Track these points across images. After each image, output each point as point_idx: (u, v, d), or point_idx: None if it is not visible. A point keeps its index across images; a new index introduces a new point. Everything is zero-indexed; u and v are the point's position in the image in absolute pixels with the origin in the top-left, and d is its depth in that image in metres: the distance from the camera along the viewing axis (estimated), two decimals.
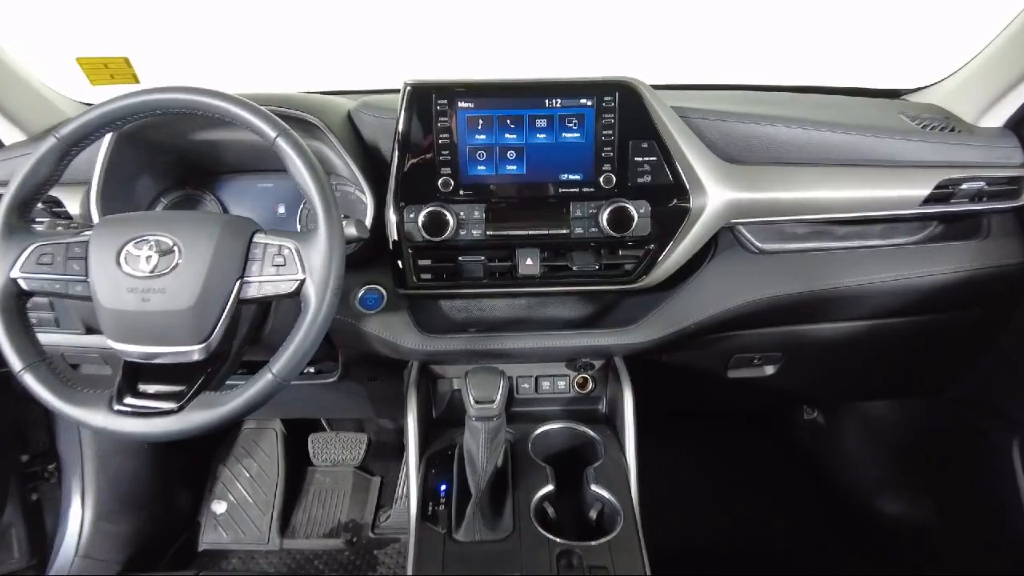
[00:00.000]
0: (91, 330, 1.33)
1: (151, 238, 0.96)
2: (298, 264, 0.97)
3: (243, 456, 1.93)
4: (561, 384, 1.36)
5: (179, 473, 1.88)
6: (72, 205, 1.28)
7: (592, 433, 1.27)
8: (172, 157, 1.33)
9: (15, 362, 0.96)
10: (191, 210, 1.37)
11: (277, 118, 0.99)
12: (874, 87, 1.59)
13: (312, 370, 1.44)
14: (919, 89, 1.55)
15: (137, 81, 1.50)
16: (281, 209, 1.38)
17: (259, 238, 0.99)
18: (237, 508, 1.90)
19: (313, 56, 1.72)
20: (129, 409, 0.96)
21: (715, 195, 1.21)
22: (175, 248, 0.96)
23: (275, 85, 1.50)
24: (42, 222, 1.20)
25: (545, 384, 1.36)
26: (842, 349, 1.44)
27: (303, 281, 0.96)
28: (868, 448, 1.85)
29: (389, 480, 1.94)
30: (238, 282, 0.97)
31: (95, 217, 1.24)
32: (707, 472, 1.97)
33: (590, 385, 1.37)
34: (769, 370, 1.49)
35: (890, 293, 1.31)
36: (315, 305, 0.95)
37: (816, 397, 1.85)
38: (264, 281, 0.98)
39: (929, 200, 1.26)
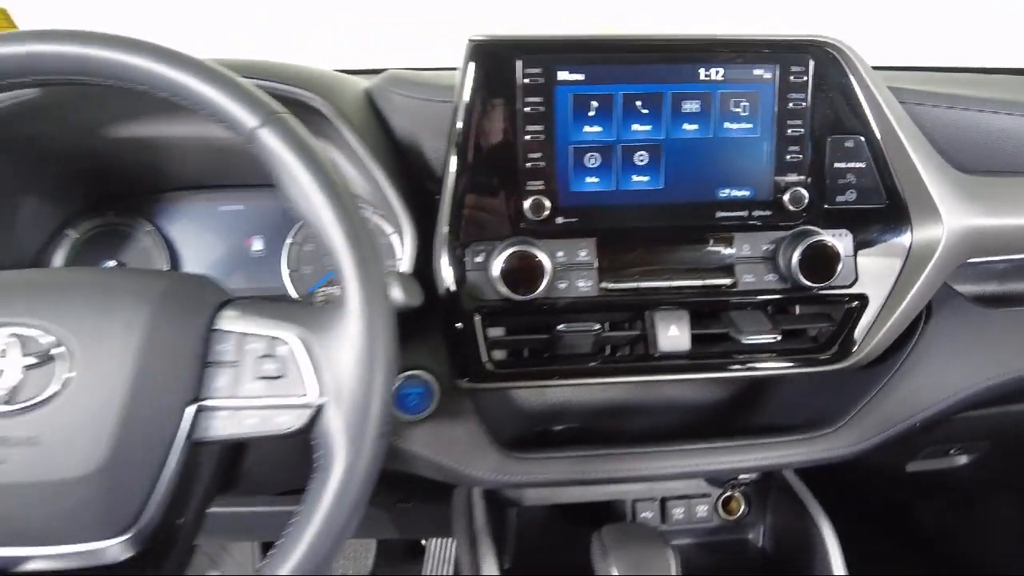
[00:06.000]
0: None
1: (12, 329, 0.48)
2: (308, 375, 0.50)
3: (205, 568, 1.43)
4: (701, 510, 0.91)
5: None
6: None
7: None
8: (71, 168, 0.83)
9: None
10: (94, 266, 0.86)
11: (264, 95, 0.52)
12: None
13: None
14: None
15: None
16: (257, 245, 0.90)
17: (228, 321, 0.52)
18: None
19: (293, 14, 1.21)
20: None
21: (952, 223, 0.77)
22: (60, 350, 0.48)
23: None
24: None
25: (677, 511, 0.91)
26: None
27: (320, 409, 0.49)
28: None
29: None
30: (191, 410, 0.50)
31: None
32: None
33: (741, 508, 0.91)
34: (961, 460, 1.06)
35: None
36: (346, 459, 0.49)
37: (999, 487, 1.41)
38: (242, 407, 0.50)
39: None
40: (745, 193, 0.75)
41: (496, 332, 0.76)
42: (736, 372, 0.76)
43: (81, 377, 0.48)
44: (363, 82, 0.82)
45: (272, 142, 0.51)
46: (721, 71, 0.72)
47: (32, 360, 0.48)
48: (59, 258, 0.88)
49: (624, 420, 0.87)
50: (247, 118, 0.51)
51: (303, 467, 0.51)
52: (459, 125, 0.71)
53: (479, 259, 0.72)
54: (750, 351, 0.76)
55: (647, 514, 0.90)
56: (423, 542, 1.41)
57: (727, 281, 0.74)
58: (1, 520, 0.48)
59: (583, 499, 0.90)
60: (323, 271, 0.89)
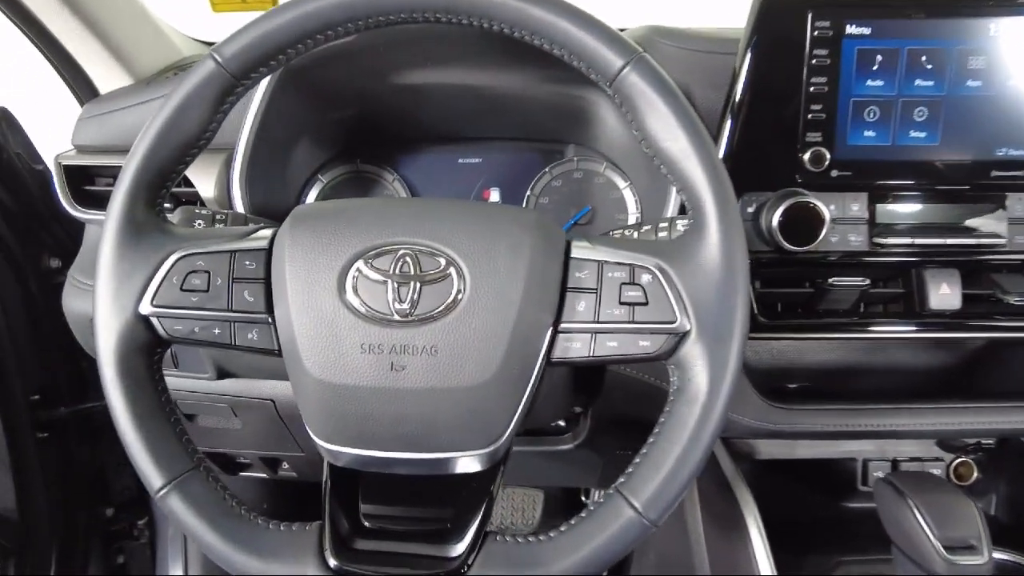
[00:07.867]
0: (223, 373, 0.89)
1: (408, 249, 0.53)
2: (671, 302, 0.52)
3: None
4: (934, 473, 0.92)
5: None
6: (203, 183, 0.84)
7: None
8: (345, 114, 0.89)
9: (152, 477, 0.53)
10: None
11: (625, 37, 0.54)
12: None
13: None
14: None
15: (275, 3, 1.06)
16: (494, 196, 0.94)
17: (583, 251, 0.55)
18: None
19: None
20: (360, 571, 0.53)
21: None
22: (455, 269, 0.52)
23: None
24: (169, 209, 0.77)
25: None
26: None
27: (685, 335, 0.52)
28: None
29: None
30: (551, 332, 0.53)
31: (238, 203, 0.81)
32: None
33: (973, 475, 0.92)
34: None
35: None
36: (709, 382, 0.51)
37: None
38: (601, 331, 0.53)
39: None
40: (1021, 153, 0.74)
41: (756, 284, 0.78)
42: (1003, 333, 0.76)
43: (474, 294, 0.51)
44: None
45: (642, 84, 0.52)
46: (1013, 27, 0.71)
47: (428, 277, 0.52)
48: (310, 200, 0.94)
49: (852, 380, 0.87)
50: (614, 58, 0.53)
51: None
52: (743, 74, 0.72)
53: (750, 209, 0.74)
54: (1016, 312, 0.76)
55: (878, 474, 0.91)
56: (583, 497, 1.46)
57: (999, 241, 0.74)
58: (394, 422, 0.52)
59: (816, 455, 0.91)
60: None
